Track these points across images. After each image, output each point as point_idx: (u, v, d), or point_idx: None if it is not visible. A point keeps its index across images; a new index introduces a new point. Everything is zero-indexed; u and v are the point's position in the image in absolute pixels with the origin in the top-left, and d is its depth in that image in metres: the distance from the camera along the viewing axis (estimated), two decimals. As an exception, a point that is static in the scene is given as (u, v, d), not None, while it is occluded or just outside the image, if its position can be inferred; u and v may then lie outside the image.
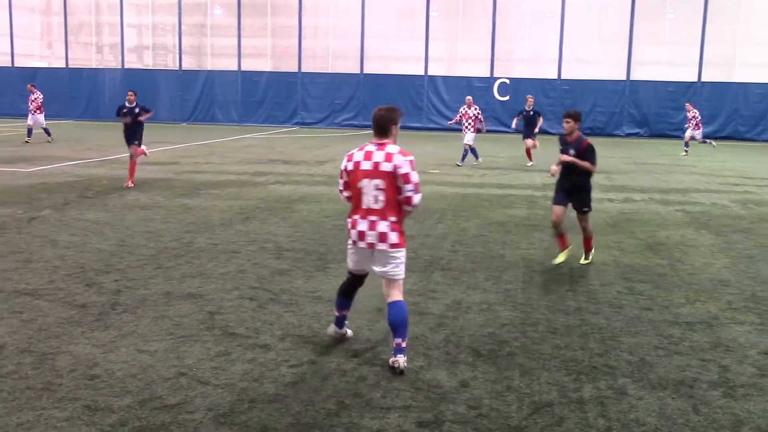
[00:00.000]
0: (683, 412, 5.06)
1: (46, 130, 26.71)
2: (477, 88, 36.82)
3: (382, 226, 5.71)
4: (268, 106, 38.97)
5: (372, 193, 5.71)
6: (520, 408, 5.09)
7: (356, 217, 5.82)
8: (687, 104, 28.10)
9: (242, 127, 36.98)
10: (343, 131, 35.47)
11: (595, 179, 18.75)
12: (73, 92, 40.13)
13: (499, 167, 20.40)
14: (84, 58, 41.92)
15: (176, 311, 7.06)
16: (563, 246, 9.26)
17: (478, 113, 21.19)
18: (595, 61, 36.07)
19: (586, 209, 9.20)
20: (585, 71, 35.86)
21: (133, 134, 15.80)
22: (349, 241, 5.97)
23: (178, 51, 40.25)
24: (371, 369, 5.72)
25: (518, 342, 6.40)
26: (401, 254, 5.81)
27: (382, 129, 5.80)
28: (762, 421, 4.97)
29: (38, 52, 43.18)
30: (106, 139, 27.10)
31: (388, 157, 5.67)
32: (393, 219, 5.73)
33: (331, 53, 39.42)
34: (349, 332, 6.45)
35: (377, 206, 5.71)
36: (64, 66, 40.85)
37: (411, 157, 5.72)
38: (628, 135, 35.37)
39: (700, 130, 27.16)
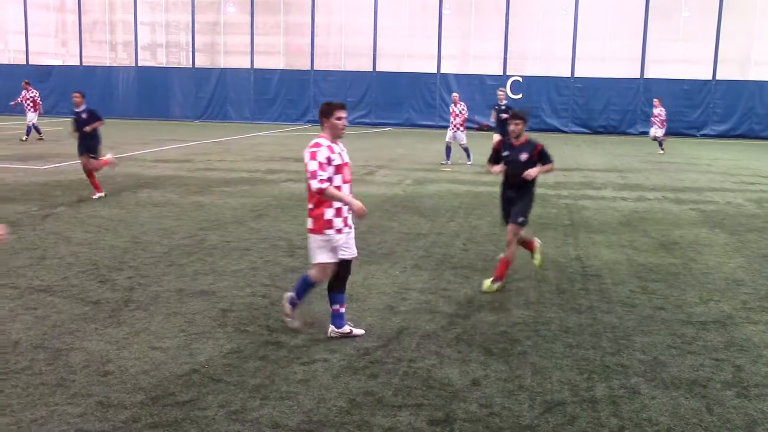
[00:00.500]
0: (696, 412, 5.03)
1: (37, 128, 25.95)
2: (489, 86, 36.69)
3: (307, 213, 6.35)
4: (280, 103, 39.03)
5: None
6: (531, 407, 5.08)
7: None
8: (655, 99, 27.41)
9: (255, 125, 37.06)
10: (355, 129, 35.47)
11: (608, 178, 18.79)
12: (86, 90, 39.85)
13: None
14: (98, 55, 42.14)
15: (189, 308, 7.09)
16: (532, 248, 8.50)
17: (464, 110, 20.77)
18: (609, 58, 35.89)
19: (522, 220, 8.01)
20: (599, 69, 35.68)
21: (82, 143, 13.75)
22: None
23: (191, 49, 40.39)
24: (383, 367, 5.72)
25: (530, 341, 6.38)
26: (312, 239, 6.30)
27: (320, 123, 6.35)
28: (776, 422, 4.94)
29: (53, 50, 43.42)
30: (119, 137, 27.22)
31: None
32: (310, 206, 6.29)
33: (344, 51, 39.42)
34: (356, 330, 6.46)
35: (307, 195, 6.32)
36: (78, 64, 41.07)
37: (313, 148, 6.12)
38: (642, 133, 35.13)
39: (664, 128, 26.42)
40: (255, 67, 39.08)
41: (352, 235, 6.41)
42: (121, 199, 13.46)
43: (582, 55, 35.95)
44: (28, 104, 26.14)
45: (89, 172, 13.70)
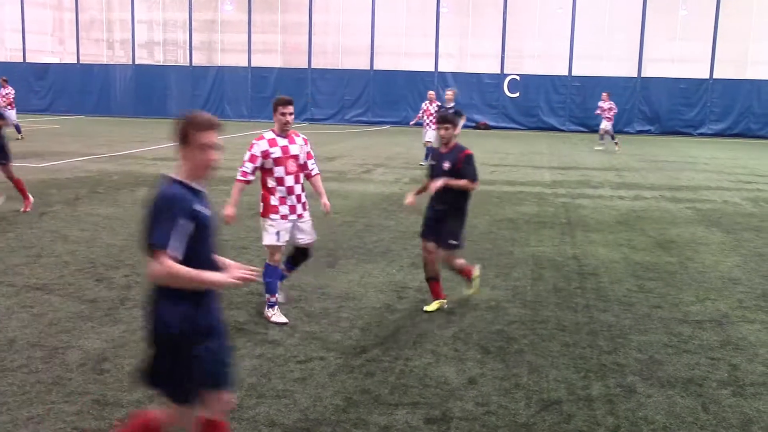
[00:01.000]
0: (692, 411, 5.04)
1: (17, 127, 24.77)
2: (487, 84, 36.76)
3: None
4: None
5: None
6: (528, 405, 5.08)
7: None
8: (603, 93, 27.29)
9: (252, 123, 37.01)
10: (353, 127, 35.45)
11: (606, 177, 18.80)
12: (84, 88, 40.26)
13: (509, 164, 20.34)
14: (95, 53, 42.06)
15: (185, 306, 7.07)
16: (436, 293, 7.25)
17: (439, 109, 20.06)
18: (606, 57, 35.91)
19: (454, 243, 7.02)
20: (596, 68, 35.69)
21: None
22: None
23: (188, 47, 40.33)
24: (379, 365, 5.73)
25: (527, 339, 6.39)
26: (261, 222, 6.92)
27: None
28: (772, 420, 4.95)
29: (50, 48, 43.34)
30: (116, 135, 27.20)
31: None
32: (262, 192, 6.87)
33: (341, 49, 39.39)
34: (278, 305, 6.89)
35: None
36: (75, 62, 41.01)
37: (253, 141, 6.78)
38: (639, 132, 35.20)
39: (611, 122, 26.25)
40: (252, 65, 39.04)
41: (306, 221, 6.93)
42: (118, 197, 13.45)
43: (579, 53, 35.97)
44: (4, 102, 24.77)
45: (15, 181, 11.94)
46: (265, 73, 38.92)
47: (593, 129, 35.34)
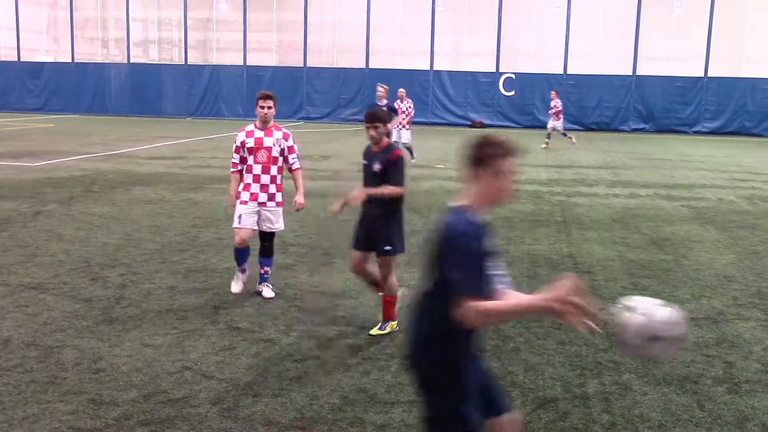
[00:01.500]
0: (688, 408, 5.05)
1: None
2: (482, 83, 36.76)
3: None
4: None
5: None
6: (524, 403, 5.09)
7: None
8: (552, 92, 27.03)
9: (248, 122, 36.51)
10: (348, 126, 35.44)
11: (601, 175, 18.82)
12: (79, 87, 40.17)
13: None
14: (90, 52, 41.97)
15: (181, 305, 7.08)
16: (386, 311, 6.62)
17: (411, 108, 19.72)
18: (601, 55, 35.95)
19: (389, 248, 6.38)
20: (591, 66, 35.74)
21: None
22: None
23: (183, 45, 40.26)
24: (375, 364, 5.73)
25: (522, 337, 6.39)
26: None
27: None
28: (767, 417, 4.96)
29: (44, 47, 43.23)
30: (111, 134, 27.15)
31: None
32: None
33: (337, 48, 39.36)
34: (266, 292, 7.42)
35: None
36: (70, 60, 40.91)
37: (236, 133, 7.54)
38: (634, 130, 35.24)
39: (560, 120, 25.79)
40: (248, 64, 38.98)
41: (272, 210, 7.35)
42: (113, 196, 13.42)
43: (575, 52, 36.01)
44: None
45: None
46: (261, 72, 38.86)
47: (588, 127, 35.48)
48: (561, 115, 25.88)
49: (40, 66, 40.86)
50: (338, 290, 7.71)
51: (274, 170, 7.34)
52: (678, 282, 8.33)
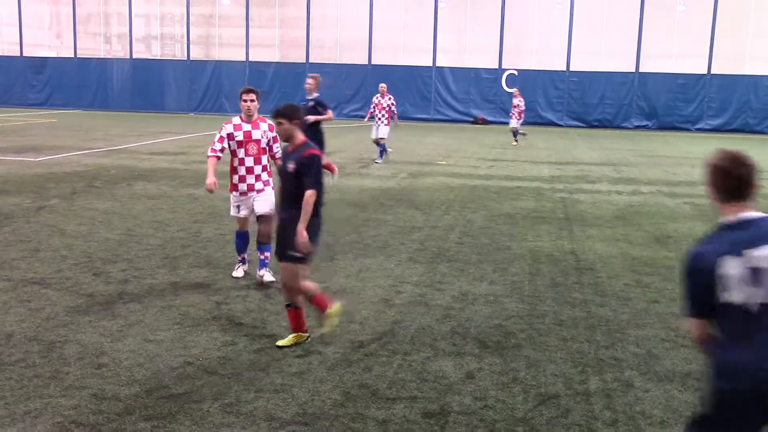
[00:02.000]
0: (690, 405, 5.04)
1: None
2: (485, 79, 36.73)
3: None
4: (275, 96, 38.86)
5: None
6: (526, 400, 5.09)
7: None
8: (515, 89, 26.72)
9: (250, 118, 36.98)
10: (350, 122, 35.41)
11: (603, 172, 18.80)
12: (81, 82, 40.17)
13: (507, 159, 20.35)
14: (92, 47, 41.95)
15: (183, 301, 7.08)
16: (322, 305, 6.02)
17: (392, 103, 19.24)
18: (604, 52, 35.88)
19: (291, 253, 5.78)
20: (594, 63, 35.68)
21: None
22: None
23: (186, 41, 40.23)
24: (377, 360, 5.73)
25: (524, 334, 6.39)
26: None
27: None
28: (769, 415, 4.96)
29: (47, 42, 43.23)
30: (114, 129, 27.15)
31: None
32: (229, 169, 7.92)
33: (339, 44, 39.32)
34: (267, 277, 7.69)
35: None
36: (72, 56, 40.90)
37: (224, 124, 7.91)
38: (637, 127, 35.20)
39: (521, 119, 25.33)
40: (250, 59, 38.97)
41: (267, 194, 7.72)
42: (115, 191, 13.43)
43: (577, 48, 35.94)
44: None
45: None
46: (263, 68, 38.85)
47: (591, 124, 35.44)
48: (522, 115, 25.43)
49: (43, 61, 40.87)
50: (340, 286, 7.71)
51: (264, 159, 7.80)
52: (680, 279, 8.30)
